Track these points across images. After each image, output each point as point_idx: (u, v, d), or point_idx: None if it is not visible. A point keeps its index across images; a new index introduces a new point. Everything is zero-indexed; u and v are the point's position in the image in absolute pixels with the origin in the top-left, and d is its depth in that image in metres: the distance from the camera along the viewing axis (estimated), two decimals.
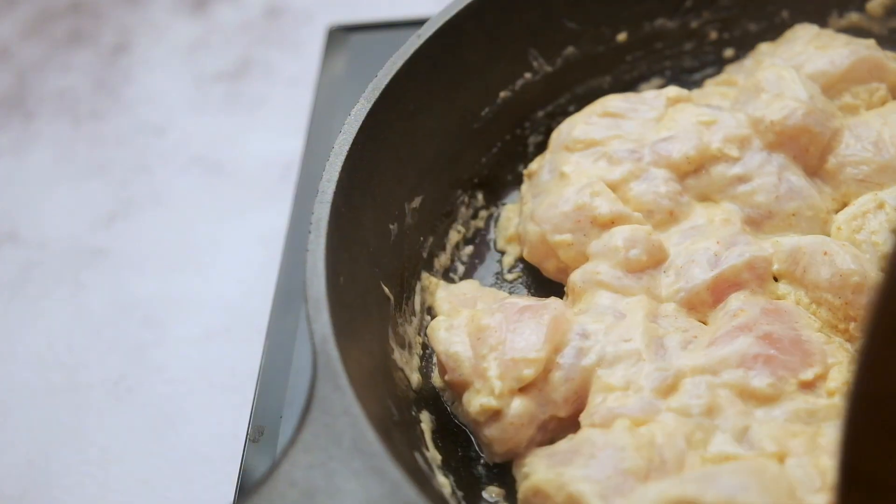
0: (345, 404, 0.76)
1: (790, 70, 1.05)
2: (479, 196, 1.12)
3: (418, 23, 1.38)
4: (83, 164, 1.51)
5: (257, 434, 1.02)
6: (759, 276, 0.94)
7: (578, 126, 1.06)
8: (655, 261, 0.96)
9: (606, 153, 1.03)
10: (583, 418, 0.87)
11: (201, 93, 1.59)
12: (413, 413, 0.92)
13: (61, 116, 1.59)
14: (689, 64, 1.21)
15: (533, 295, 1.05)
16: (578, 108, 1.16)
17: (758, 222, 0.99)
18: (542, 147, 1.15)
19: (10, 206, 1.47)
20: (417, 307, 1.01)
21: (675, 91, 1.08)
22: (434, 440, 0.92)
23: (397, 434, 0.84)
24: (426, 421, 0.93)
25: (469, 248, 1.10)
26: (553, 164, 1.06)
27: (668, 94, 1.08)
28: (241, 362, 1.21)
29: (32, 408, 1.22)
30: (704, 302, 0.94)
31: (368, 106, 0.95)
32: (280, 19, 1.68)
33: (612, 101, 1.08)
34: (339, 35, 1.42)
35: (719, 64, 1.21)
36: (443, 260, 1.07)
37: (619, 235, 0.96)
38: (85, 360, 1.26)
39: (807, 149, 1.01)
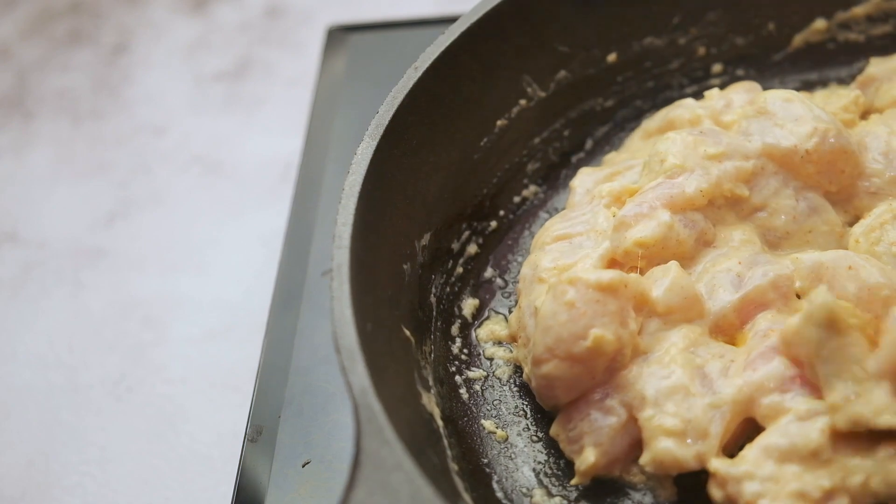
0: (396, 459, 0.74)
1: (794, 92, 1.03)
2: (483, 228, 1.12)
3: (418, 23, 1.40)
4: (83, 164, 1.51)
5: (256, 434, 1.02)
6: (784, 295, 0.92)
7: (543, 259, 1.00)
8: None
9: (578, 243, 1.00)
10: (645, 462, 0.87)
11: (201, 93, 1.59)
12: (448, 461, 0.91)
13: (61, 116, 1.59)
14: (679, 81, 1.21)
15: None
16: (573, 133, 1.17)
17: (775, 242, 0.98)
18: (539, 175, 1.16)
19: (10, 206, 1.48)
20: (435, 349, 1.01)
21: (608, 188, 1.03)
22: (466, 488, 0.90)
23: (442, 483, 0.83)
24: (459, 466, 0.92)
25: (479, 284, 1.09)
26: (529, 300, 1.00)
27: (601, 195, 1.03)
28: (240, 362, 1.21)
29: (32, 408, 1.22)
30: (732, 325, 0.92)
31: (374, 143, 0.94)
32: (280, 19, 1.69)
33: (554, 227, 1.02)
34: (339, 35, 1.42)
35: (707, 79, 1.21)
36: (453, 297, 1.07)
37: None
38: (85, 360, 1.26)
39: (843, 170, 0.98)
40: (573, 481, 0.90)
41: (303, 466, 0.99)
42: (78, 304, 1.33)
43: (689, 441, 0.84)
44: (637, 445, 0.88)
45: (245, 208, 1.41)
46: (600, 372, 0.89)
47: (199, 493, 1.12)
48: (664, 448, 0.84)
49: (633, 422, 0.88)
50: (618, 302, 0.89)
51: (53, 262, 1.38)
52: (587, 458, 0.88)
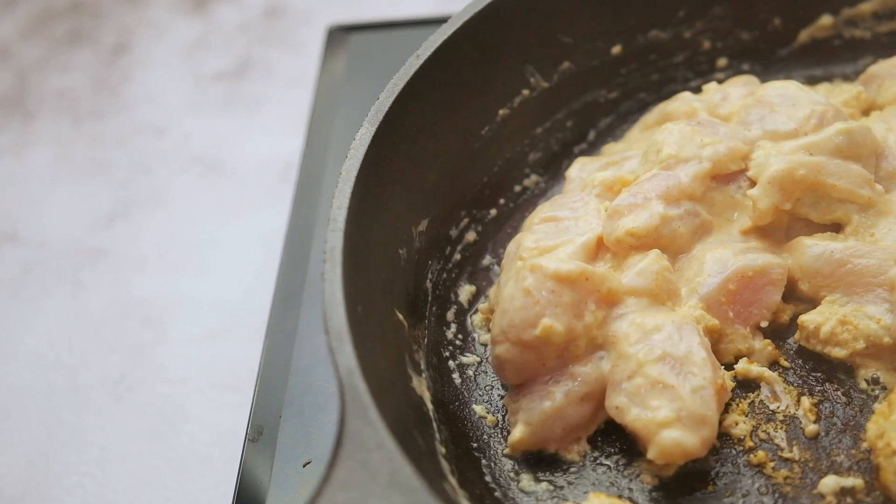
0: (378, 439, 0.75)
1: (791, 81, 1.04)
2: (483, 216, 1.12)
3: (418, 23, 1.40)
4: (83, 164, 1.51)
5: (257, 434, 1.02)
6: (772, 282, 0.95)
7: (527, 238, 1.00)
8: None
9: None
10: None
11: (201, 93, 1.59)
12: (436, 444, 0.92)
13: (61, 116, 1.59)
14: (683, 74, 1.21)
15: None
16: (575, 123, 1.18)
17: None
18: (541, 164, 1.16)
19: (10, 206, 1.47)
20: (429, 334, 1.02)
21: (601, 177, 1.03)
22: (452, 471, 0.91)
23: (426, 465, 0.84)
24: (447, 449, 0.93)
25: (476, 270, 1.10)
26: (506, 276, 0.99)
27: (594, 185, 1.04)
28: (240, 362, 1.21)
29: (32, 408, 1.22)
30: (720, 305, 0.94)
31: (373, 129, 0.94)
32: (280, 19, 1.68)
33: (544, 209, 1.04)
34: (339, 35, 1.42)
35: (712, 73, 1.21)
36: (450, 283, 1.07)
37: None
38: (85, 360, 1.26)
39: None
40: (504, 451, 0.93)
41: (303, 466, 0.99)
42: (78, 304, 1.32)
43: (691, 429, 0.85)
44: (574, 430, 0.91)
45: (245, 208, 1.41)
46: (551, 359, 0.91)
47: (199, 493, 1.11)
48: (671, 438, 0.84)
49: (572, 406, 0.90)
50: (574, 294, 0.90)
51: (53, 262, 1.38)
52: (515, 433, 0.91)
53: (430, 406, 0.95)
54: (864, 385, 0.91)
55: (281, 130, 1.49)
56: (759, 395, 0.93)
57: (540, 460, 0.92)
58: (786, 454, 0.89)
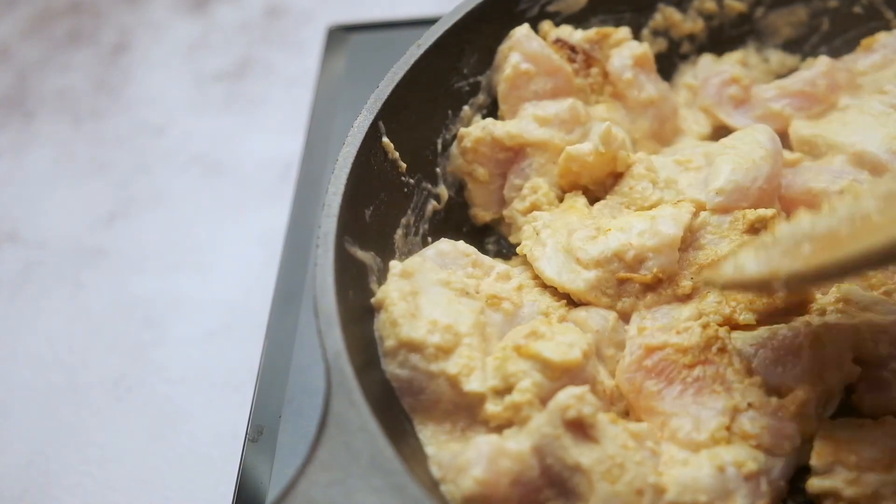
0: (361, 421, 0.76)
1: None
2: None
3: (418, 23, 1.40)
4: (83, 164, 1.51)
5: (257, 433, 1.02)
6: None
7: None
8: None
9: None
10: None
11: (201, 93, 1.59)
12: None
13: (61, 116, 1.59)
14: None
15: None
16: None
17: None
18: None
19: (10, 206, 1.48)
20: None
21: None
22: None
23: (408, 447, 0.84)
24: None
25: None
26: None
27: None
28: (240, 362, 1.21)
29: (32, 408, 1.22)
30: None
31: (371, 117, 0.95)
32: (280, 19, 1.69)
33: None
34: (339, 35, 1.42)
35: None
36: None
37: None
38: (85, 360, 1.26)
39: None
40: None
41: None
42: (78, 304, 1.33)
43: None
44: None
45: (245, 208, 1.41)
46: None
47: (199, 493, 1.11)
48: None
49: None
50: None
51: (53, 262, 1.38)
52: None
53: None
54: None
55: (281, 130, 1.50)
56: None
57: None
58: None
